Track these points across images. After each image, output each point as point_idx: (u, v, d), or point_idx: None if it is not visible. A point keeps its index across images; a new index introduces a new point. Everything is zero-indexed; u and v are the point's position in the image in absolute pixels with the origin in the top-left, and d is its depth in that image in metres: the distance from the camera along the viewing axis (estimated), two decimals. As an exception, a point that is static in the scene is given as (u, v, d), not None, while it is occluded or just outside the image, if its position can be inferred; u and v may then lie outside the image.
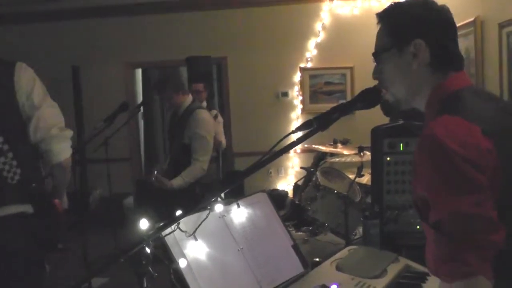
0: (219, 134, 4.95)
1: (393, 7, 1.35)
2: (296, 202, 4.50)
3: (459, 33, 1.37)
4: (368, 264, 1.77)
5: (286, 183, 6.98)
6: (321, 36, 6.84)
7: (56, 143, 2.22)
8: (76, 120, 6.58)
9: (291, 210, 4.25)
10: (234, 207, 1.67)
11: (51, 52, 7.00)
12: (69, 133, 2.31)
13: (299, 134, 1.38)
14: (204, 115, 3.86)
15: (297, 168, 6.82)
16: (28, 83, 2.19)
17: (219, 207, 1.55)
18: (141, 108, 5.52)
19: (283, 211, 5.59)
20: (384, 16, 1.35)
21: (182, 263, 1.37)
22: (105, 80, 7.07)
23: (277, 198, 6.50)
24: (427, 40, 1.26)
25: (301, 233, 2.77)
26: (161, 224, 1.24)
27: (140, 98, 7.56)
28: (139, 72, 7.71)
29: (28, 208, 2.15)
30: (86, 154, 6.12)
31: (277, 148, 1.38)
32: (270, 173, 7.04)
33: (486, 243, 1.03)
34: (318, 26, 6.83)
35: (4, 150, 2.07)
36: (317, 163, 4.13)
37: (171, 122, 4.25)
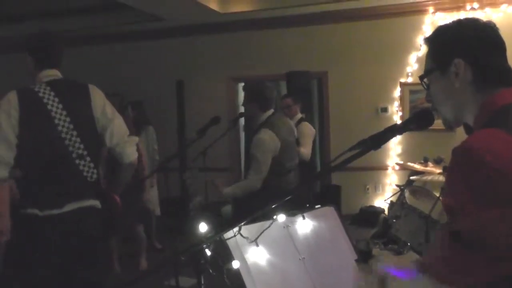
0: (303, 144, 4.91)
1: (436, 30, 1.37)
2: (388, 220, 4.44)
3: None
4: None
5: (383, 200, 6.85)
6: (423, 50, 6.67)
7: (128, 147, 2.70)
8: (178, 131, 7.01)
9: (383, 227, 4.20)
10: (299, 219, 1.74)
11: (156, 68, 7.56)
12: (136, 139, 2.82)
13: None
14: (263, 135, 3.81)
15: (395, 186, 6.67)
16: (100, 100, 2.68)
17: (281, 217, 1.64)
18: (241, 120, 5.70)
19: (376, 228, 5.53)
20: (428, 39, 1.38)
21: (241, 266, 1.48)
22: (207, 93, 7.46)
23: (372, 215, 6.41)
24: (467, 58, 1.27)
25: (386, 251, 2.76)
26: (222, 227, 1.36)
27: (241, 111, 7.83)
28: (240, 86, 8.01)
29: (97, 203, 2.62)
30: (187, 163, 6.49)
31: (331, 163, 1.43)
32: (368, 189, 6.96)
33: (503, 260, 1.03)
34: (419, 39, 6.67)
35: (84, 155, 2.54)
36: (409, 181, 4.06)
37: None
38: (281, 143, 3.78)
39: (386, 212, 6.39)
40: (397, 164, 6.71)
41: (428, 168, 3.87)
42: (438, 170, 3.84)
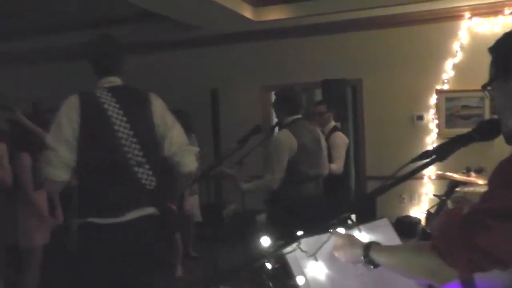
0: (334, 157, 4.83)
1: (499, 38, 1.34)
2: (428, 231, 4.36)
3: None
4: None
5: (419, 210, 6.72)
6: (459, 57, 6.57)
7: (187, 156, 2.67)
8: (214, 139, 7.01)
9: (422, 239, 4.12)
10: (355, 232, 1.70)
11: (191, 76, 7.61)
12: (195, 149, 2.79)
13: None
14: (280, 134, 3.88)
15: (431, 195, 6.54)
16: (161, 108, 2.65)
17: (341, 231, 1.60)
18: (276, 129, 5.69)
19: (414, 239, 5.42)
20: (491, 48, 1.35)
21: (300, 281, 1.45)
22: (241, 102, 7.46)
23: (408, 225, 6.29)
24: None
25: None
26: (282, 242, 1.33)
27: (274, 120, 7.82)
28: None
29: (155, 211, 2.59)
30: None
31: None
32: (403, 199, 6.83)
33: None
34: (455, 45, 6.58)
35: (142, 163, 2.50)
36: (449, 191, 3.96)
37: None
38: (298, 145, 3.77)
39: (423, 222, 6.28)
40: (437, 174, 6.59)
41: (471, 178, 3.75)
42: (480, 181, 3.73)
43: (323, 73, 6.60)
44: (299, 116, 4.07)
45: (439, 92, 6.66)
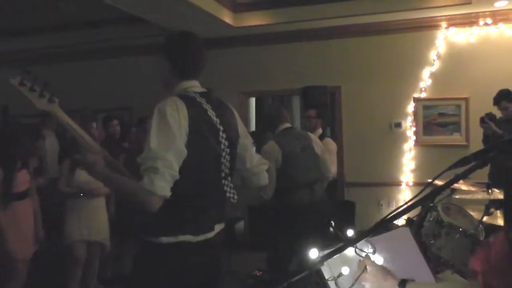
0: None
1: None
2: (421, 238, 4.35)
3: None
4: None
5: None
6: (436, 65, 6.67)
7: (265, 170, 2.55)
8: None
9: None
10: (378, 244, 1.65)
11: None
12: (268, 162, 2.65)
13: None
14: (265, 146, 3.95)
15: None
16: (240, 120, 2.48)
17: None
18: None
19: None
20: None
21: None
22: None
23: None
24: None
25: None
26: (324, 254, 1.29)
27: (253, 127, 7.78)
28: (253, 101, 7.95)
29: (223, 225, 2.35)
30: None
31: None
32: (381, 205, 6.87)
33: None
34: (433, 54, 6.68)
35: (228, 174, 2.30)
36: (432, 198, 3.96)
37: None
38: (283, 154, 3.78)
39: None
40: (414, 181, 6.67)
41: (457, 185, 3.77)
42: (465, 187, 3.76)
43: (302, 80, 6.61)
44: (288, 125, 4.10)
45: (416, 100, 6.75)
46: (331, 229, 1.71)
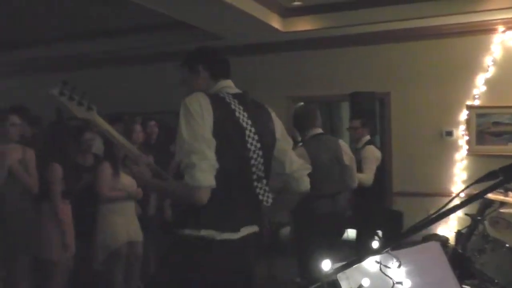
0: (363, 169, 4.78)
1: None
2: (459, 251, 4.18)
3: None
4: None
5: (447, 229, 6.52)
6: (491, 71, 6.39)
7: (306, 174, 2.52)
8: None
9: (452, 259, 3.92)
10: (406, 257, 1.57)
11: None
12: (309, 167, 2.60)
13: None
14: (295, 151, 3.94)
15: (460, 214, 6.34)
16: (279, 122, 2.49)
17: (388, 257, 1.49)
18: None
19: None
20: None
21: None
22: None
23: (436, 243, 6.09)
24: None
25: (465, 286, 2.57)
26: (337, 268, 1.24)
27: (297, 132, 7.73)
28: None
29: (257, 228, 2.37)
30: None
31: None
32: (431, 215, 6.63)
33: None
34: (487, 60, 6.40)
35: (262, 177, 2.32)
36: (483, 211, 3.79)
37: None
38: (312, 163, 3.70)
39: (451, 241, 6.07)
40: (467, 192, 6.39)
41: (509, 198, 3.57)
42: (516, 200, 3.55)
43: (350, 85, 6.51)
44: (319, 130, 4.05)
45: (469, 107, 6.49)
46: (376, 238, 1.65)
